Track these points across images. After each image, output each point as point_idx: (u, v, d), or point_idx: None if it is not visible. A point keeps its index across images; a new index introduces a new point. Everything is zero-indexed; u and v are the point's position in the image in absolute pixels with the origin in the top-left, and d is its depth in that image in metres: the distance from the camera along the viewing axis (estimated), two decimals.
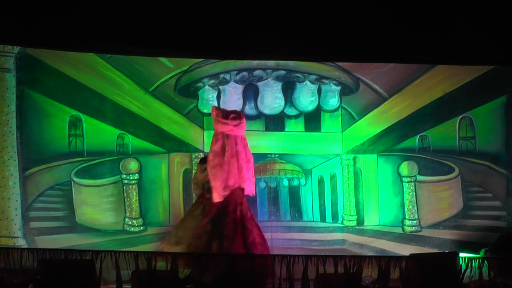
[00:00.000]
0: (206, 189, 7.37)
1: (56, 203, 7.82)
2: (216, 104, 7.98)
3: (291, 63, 8.13)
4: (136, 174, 7.96)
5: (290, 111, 8.21)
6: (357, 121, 8.21)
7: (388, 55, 7.65)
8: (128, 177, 7.93)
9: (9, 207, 7.67)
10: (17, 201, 7.70)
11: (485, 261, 6.30)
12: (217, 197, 7.19)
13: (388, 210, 8.15)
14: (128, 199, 7.93)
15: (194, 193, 7.66)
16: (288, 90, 8.20)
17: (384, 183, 8.18)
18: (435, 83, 8.14)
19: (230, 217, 7.15)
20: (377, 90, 8.20)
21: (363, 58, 7.86)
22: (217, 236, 7.04)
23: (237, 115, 7.40)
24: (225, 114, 7.36)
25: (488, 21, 7.34)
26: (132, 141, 7.95)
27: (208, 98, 8.09)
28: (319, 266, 6.16)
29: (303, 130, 8.23)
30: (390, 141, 8.19)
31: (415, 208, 8.11)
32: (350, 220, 8.12)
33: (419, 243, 8.03)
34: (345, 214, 8.14)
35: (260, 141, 8.14)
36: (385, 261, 6.24)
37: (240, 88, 8.17)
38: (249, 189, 7.38)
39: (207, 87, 8.11)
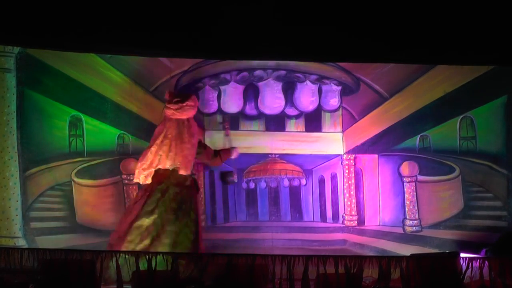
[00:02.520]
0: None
1: (56, 203, 7.82)
2: (216, 105, 8.02)
3: (291, 63, 8.13)
4: None
5: (291, 111, 8.21)
6: (358, 121, 8.20)
7: (388, 55, 7.66)
8: (128, 177, 7.92)
9: (9, 207, 7.67)
10: (17, 201, 7.70)
11: (486, 261, 6.28)
12: (136, 178, 7.20)
13: (389, 210, 8.14)
14: (129, 199, 7.92)
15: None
16: (289, 90, 8.20)
17: (384, 183, 8.17)
18: (436, 83, 8.14)
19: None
20: (378, 90, 8.19)
21: (363, 58, 7.86)
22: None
23: (180, 99, 7.17)
24: (171, 99, 7.20)
25: (488, 21, 7.34)
26: (132, 141, 7.96)
27: (209, 98, 8.09)
28: (320, 266, 6.14)
29: (304, 130, 8.22)
30: (390, 141, 8.18)
31: (416, 208, 8.10)
32: (350, 220, 8.12)
33: (420, 243, 8.02)
34: (345, 214, 8.14)
35: (260, 141, 8.14)
36: (385, 261, 6.22)
37: (240, 88, 8.17)
38: (184, 168, 7.13)
39: (207, 87, 8.11)
